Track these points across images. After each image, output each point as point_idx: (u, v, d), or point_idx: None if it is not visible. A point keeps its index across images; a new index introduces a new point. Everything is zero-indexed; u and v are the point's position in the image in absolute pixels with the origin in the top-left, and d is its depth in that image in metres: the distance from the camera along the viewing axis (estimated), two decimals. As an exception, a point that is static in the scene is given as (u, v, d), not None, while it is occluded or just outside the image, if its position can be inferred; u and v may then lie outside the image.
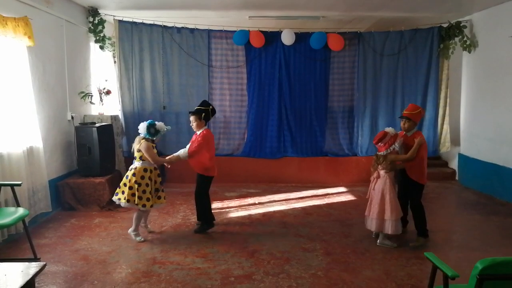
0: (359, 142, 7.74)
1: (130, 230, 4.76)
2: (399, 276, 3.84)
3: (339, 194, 6.93)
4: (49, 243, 4.64)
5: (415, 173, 4.56)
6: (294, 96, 7.69)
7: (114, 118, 7.03)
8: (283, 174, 7.60)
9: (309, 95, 7.71)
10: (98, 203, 5.88)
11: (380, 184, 4.51)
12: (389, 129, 4.58)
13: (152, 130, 4.67)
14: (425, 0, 6.26)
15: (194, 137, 4.99)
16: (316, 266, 4.07)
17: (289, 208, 6.16)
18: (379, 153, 4.54)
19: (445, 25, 7.44)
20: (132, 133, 7.41)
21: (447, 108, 7.69)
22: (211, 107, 4.99)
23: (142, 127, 4.68)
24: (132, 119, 7.42)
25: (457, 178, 8.05)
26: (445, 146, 7.78)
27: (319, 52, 7.56)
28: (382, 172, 4.52)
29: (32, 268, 2.40)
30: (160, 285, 3.65)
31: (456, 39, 7.38)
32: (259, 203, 6.38)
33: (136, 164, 4.65)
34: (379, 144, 4.55)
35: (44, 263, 2.51)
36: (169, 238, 4.83)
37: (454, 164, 8.22)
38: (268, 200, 6.55)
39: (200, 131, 4.90)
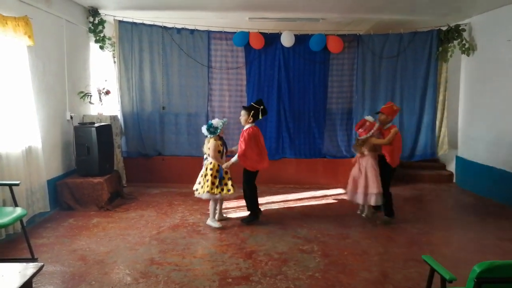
0: (358, 144, 7.75)
1: (209, 221, 5.27)
2: (396, 279, 3.85)
3: (337, 196, 6.94)
4: (47, 243, 4.64)
5: (391, 157, 5.25)
6: (293, 97, 7.71)
7: (113, 118, 7.03)
8: (281, 175, 7.61)
9: (308, 97, 7.72)
10: (96, 203, 5.88)
11: (363, 163, 5.29)
12: (368, 117, 5.38)
13: (212, 129, 5.14)
14: (424, 3, 6.28)
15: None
16: (314, 268, 4.08)
17: (287, 209, 6.17)
18: (360, 138, 5.27)
19: (444, 28, 7.47)
20: (131, 133, 7.44)
21: (445, 111, 7.71)
22: (262, 107, 5.22)
23: (204, 130, 5.19)
24: (131, 119, 7.43)
25: (454, 180, 8.07)
26: (442, 148, 7.81)
27: (318, 54, 7.58)
28: (366, 152, 5.27)
29: (29, 269, 2.39)
30: (158, 286, 3.65)
31: (455, 42, 7.41)
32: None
33: (210, 159, 5.20)
34: (359, 130, 5.31)
35: (42, 264, 2.50)
36: (167, 238, 4.83)
37: (451, 167, 8.24)
38: (266, 201, 6.55)
39: (247, 127, 5.22)
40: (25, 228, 4.19)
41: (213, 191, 5.13)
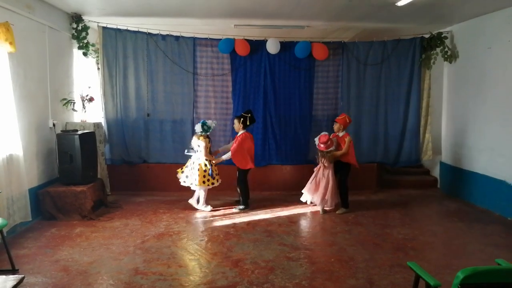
0: (343, 150, 7.79)
1: (200, 206, 6.28)
2: (382, 285, 3.86)
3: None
4: (28, 253, 4.53)
5: (350, 159, 6.28)
6: (279, 104, 7.73)
7: (97, 125, 6.93)
8: (267, 182, 7.60)
9: (293, 104, 7.75)
10: (79, 212, 5.77)
11: (326, 173, 6.22)
12: (325, 133, 6.27)
13: (205, 127, 6.07)
14: (407, 11, 6.37)
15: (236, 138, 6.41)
16: (301, 275, 4.06)
17: (273, 216, 6.15)
18: (325, 151, 6.15)
19: (426, 36, 7.59)
20: (115, 141, 7.34)
21: (429, 117, 7.82)
22: (249, 115, 6.35)
23: (198, 126, 6.11)
24: (115, 126, 7.34)
25: (438, 186, 8.17)
26: (427, 154, 7.91)
27: (303, 61, 7.61)
28: (326, 164, 6.19)
29: (10, 281, 2.35)
30: (143, 296, 3.59)
31: (438, 49, 7.54)
32: (244, 212, 6.36)
33: (199, 155, 6.13)
34: (321, 145, 6.16)
35: (23, 276, 2.46)
36: (151, 248, 4.76)
37: (435, 172, 8.34)
38: (252, 208, 6.53)
39: (240, 133, 6.31)
40: (5, 239, 4.09)
41: (205, 184, 6.10)
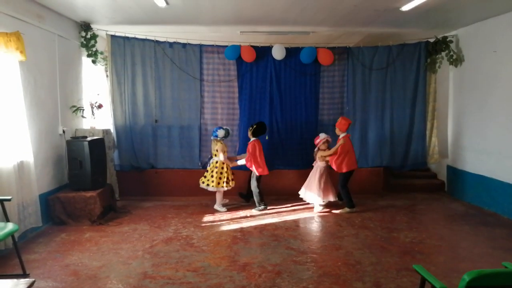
0: (350, 154, 7.80)
1: (216, 206, 6.71)
2: (389, 288, 3.87)
3: (329, 206, 6.95)
4: (39, 258, 4.60)
5: (335, 165, 6.61)
6: (285, 109, 7.77)
7: (106, 132, 7.03)
8: (274, 187, 7.62)
9: (299, 109, 7.79)
10: (89, 217, 5.85)
11: (314, 170, 6.77)
12: (321, 135, 6.80)
13: (223, 134, 6.56)
14: (412, 16, 6.40)
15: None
16: (308, 279, 4.08)
17: (280, 220, 6.18)
18: (317, 147, 6.78)
19: (431, 40, 7.61)
20: (124, 147, 7.43)
21: (435, 121, 7.83)
22: (255, 126, 6.71)
23: (213, 132, 6.64)
24: (124, 133, 7.42)
25: (446, 189, 8.15)
26: (433, 158, 7.90)
27: (309, 67, 7.66)
28: (318, 162, 6.74)
29: (20, 285, 2.38)
30: (151, 299, 3.64)
31: (443, 53, 7.56)
32: (251, 216, 6.40)
33: (216, 159, 6.58)
34: (316, 141, 6.81)
35: (33, 279, 2.49)
36: (160, 252, 4.81)
37: (442, 176, 8.32)
38: (259, 212, 6.57)
39: (251, 140, 6.71)
40: (16, 244, 4.16)
41: (220, 185, 6.51)
